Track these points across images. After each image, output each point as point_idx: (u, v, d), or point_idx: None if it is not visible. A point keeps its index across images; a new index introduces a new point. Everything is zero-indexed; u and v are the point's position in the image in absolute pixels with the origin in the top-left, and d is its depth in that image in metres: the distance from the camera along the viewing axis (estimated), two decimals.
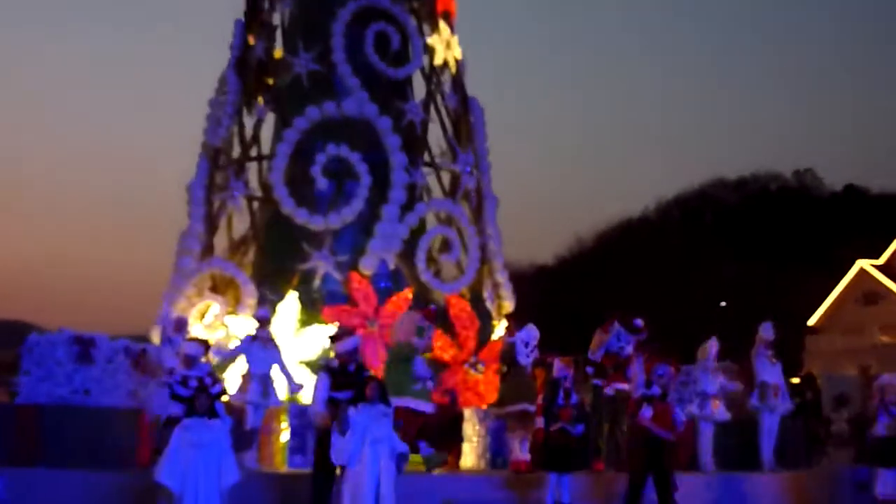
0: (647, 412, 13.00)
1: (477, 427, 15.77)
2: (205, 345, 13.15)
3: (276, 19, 19.79)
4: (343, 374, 11.65)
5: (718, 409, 16.03)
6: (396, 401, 11.91)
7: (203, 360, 12.92)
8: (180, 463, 10.60)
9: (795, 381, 17.68)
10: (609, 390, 15.49)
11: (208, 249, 18.90)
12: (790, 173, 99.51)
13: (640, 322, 15.48)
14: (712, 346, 16.22)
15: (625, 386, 15.06)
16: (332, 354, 12.30)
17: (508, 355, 15.00)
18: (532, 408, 14.25)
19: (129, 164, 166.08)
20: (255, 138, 19.47)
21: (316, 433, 11.84)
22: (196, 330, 17.01)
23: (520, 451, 14.31)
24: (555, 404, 13.43)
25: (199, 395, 11.23)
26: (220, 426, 11.06)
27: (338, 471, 11.05)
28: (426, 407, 12.93)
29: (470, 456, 15.81)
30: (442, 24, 19.97)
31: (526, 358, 14.73)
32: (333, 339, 12.15)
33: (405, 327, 14.42)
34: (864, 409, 18.83)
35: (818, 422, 20.77)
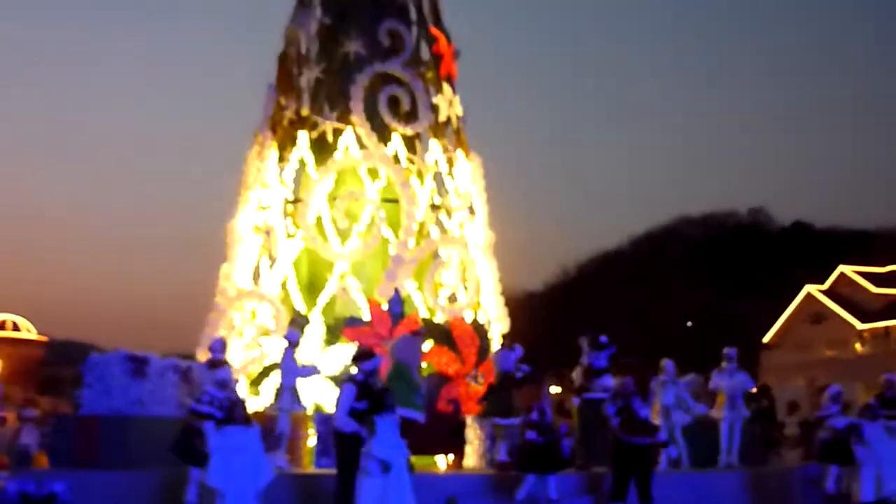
0: (614, 421, 13.25)
1: (478, 432, 15.85)
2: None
3: (304, 83, 19.82)
4: (364, 388, 11.65)
5: (677, 416, 16.25)
6: (400, 411, 11.84)
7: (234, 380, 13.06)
8: (225, 465, 10.83)
9: (752, 390, 17.73)
10: (575, 400, 15.69)
11: (249, 279, 19.01)
12: (745, 211, 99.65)
13: (604, 338, 15.48)
14: (668, 364, 16.38)
15: (596, 395, 15.12)
16: (353, 370, 12.12)
17: (496, 365, 15.29)
18: (510, 421, 14.56)
19: (179, 201, 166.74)
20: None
21: (339, 438, 11.69)
22: (235, 348, 17.32)
23: (502, 454, 14.58)
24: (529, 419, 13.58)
25: (236, 407, 11.44)
26: (254, 432, 11.27)
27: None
28: (420, 417, 12.72)
29: (472, 457, 15.91)
30: (445, 86, 20.04)
31: (510, 366, 15.01)
32: (358, 358, 11.91)
33: (403, 347, 14.62)
34: (811, 415, 18.96)
35: (773, 426, 20.80)
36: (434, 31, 20.19)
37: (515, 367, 15.45)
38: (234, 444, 11.01)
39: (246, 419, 11.30)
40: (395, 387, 12.35)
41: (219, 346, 14.49)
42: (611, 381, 14.90)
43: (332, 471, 12.07)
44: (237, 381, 14.29)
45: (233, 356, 16.88)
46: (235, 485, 10.77)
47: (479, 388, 16.89)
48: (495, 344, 18.22)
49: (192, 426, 11.48)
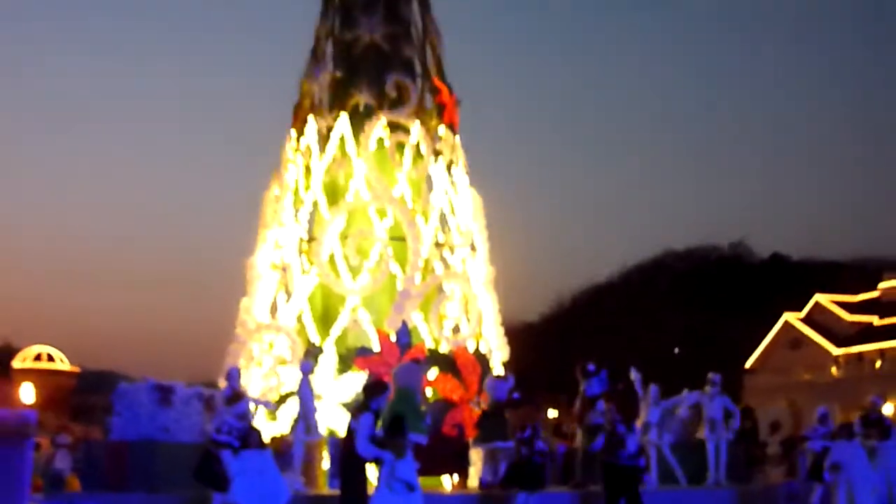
0: (598, 443, 13.19)
1: (480, 453, 15.71)
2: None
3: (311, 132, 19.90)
4: (377, 415, 11.50)
5: (662, 436, 16.16)
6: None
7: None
8: (248, 486, 10.78)
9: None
10: (568, 426, 15.55)
11: (267, 312, 19.01)
12: (726, 244, 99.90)
13: (592, 367, 15.37)
14: (652, 388, 16.32)
15: (594, 421, 14.83)
16: (363, 396, 12.02)
17: (489, 394, 15.19)
18: (504, 444, 14.44)
19: (204, 238, 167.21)
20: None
21: (346, 461, 11.50)
22: (255, 376, 17.28)
23: (492, 474, 14.48)
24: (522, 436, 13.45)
25: (252, 433, 11.38)
26: (267, 455, 11.25)
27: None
28: (423, 439, 12.58)
29: (475, 477, 15.79)
30: (447, 132, 20.15)
31: (502, 395, 14.92)
32: (372, 391, 11.61)
33: (405, 374, 14.56)
34: (792, 434, 18.87)
35: (756, 445, 20.71)
36: (437, 83, 20.33)
37: (508, 395, 15.36)
38: (253, 467, 10.97)
39: (260, 444, 11.23)
40: (399, 411, 12.23)
41: (235, 375, 14.45)
42: (601, 408, 14.75)
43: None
44: (255, 410, 14.21)
45: (252, 385, 16.85)
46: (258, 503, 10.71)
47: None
48: (497, 370, 18.21)
49: (211, 453, 11.41)
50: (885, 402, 14.08)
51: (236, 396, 12.91)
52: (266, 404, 15.44)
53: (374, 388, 11.73)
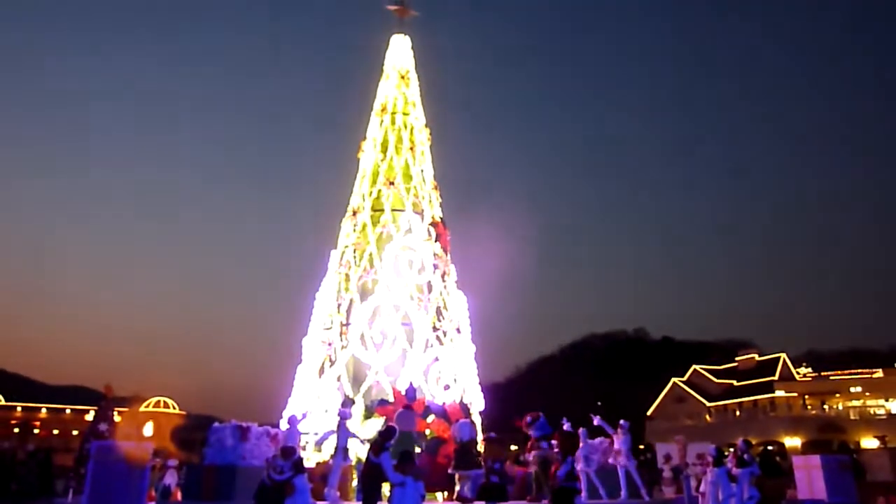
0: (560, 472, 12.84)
1: (458, 477, 15.22)
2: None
3: (349, 252, 19.88)
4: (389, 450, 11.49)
5: (590, 464, 15.79)
6: None
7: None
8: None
9: (641, 447, 17.27)
10: (524, 456, 15.12)
11: (316, 373, 18.75)
12: (632, 330, 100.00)
13: (529, 418, 14.89)
14: (582, 432, 16.02)
15: (529, 456, 14.63)
16: (379, 438, 11.48)
17: (456, 434, 14.75)
18: (475, 472, 13.91)
19: (274, 315, 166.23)
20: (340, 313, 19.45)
21: (369, 481, 11.10)
22: (307, 418, 16.86)
23: (466, 490, 13.93)
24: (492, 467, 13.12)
25: (298, 466, 10.86)
26: (305, 478, 10.74)
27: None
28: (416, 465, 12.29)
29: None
30: (441, 252, 20.18)
31: (467, 437, 14.44)
32: (386, 435, 11.21)
33: (401, 419, 14.24)
34: (679, 464, 18.39)
35: (654, 471, 20.18)
36: (435, 220, 20.51)
37: (471, 434, 14.78)
38: (301, 486, 10.57)
39: (302, 470, 10.75)
40: (401, 445, 12.16)
41: (294, 421, 14.22)
42: (546, 445, 14.42)
43: None
44: (304, 446, 13.77)
45: (305, 425, 16.48)
46: None
47: None
48: (475, 417, 17.89)
49: (265, 485, 10.94)
50: (746, 443, 13.71)
51: (289, 450, 12.47)
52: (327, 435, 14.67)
53: (386, 433, 11.49)
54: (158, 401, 71.60)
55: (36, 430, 74.85)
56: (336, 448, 13.97)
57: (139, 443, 12.82)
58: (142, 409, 65.48)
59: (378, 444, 11.01)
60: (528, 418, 14.93)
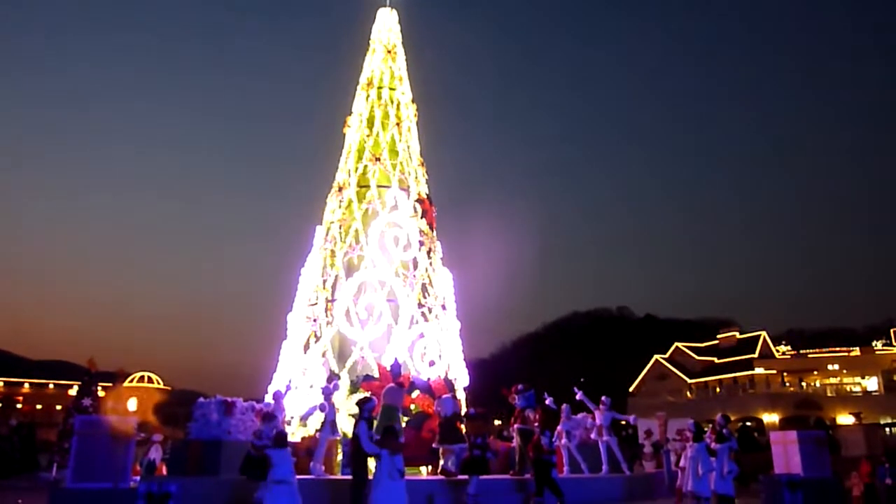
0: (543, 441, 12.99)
1: (442, 451, 15.32)
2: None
3: (335, 229, 19.71)
4: (370, 422, 11.60)
5: (572, 440, 15.95)
6: None
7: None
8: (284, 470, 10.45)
9: (623, 423, 17.47)
10: (508, 431, 15.17)
11: (301, 349, 18.64)
12: (615, 308, 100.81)
13: (521, 386, 15.00)
14: (565, 407, 16.18)
15: (524, 427, 14.59)
16: (358, 409, 11.89)
17: (440, 409, 14.81)
18: (458, 446, 13.96)
19: (255, 295, 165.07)
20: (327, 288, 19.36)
21: (357, 456, 11.31)
22: (295, 392, 16.88)
23: (450, 465, 14.06)
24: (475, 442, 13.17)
25: (279, 436, 10.90)
26: (289, 452, 10.66)
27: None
28: (401, 439, 12.20)
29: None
30: (428, 229, 20.07)
31: (450, 412, 14.50)
32: (363, 403, 11.82)
33: (390, 394, 14.30)
34: (659, 440, 18.66)
35: (635, 446, 20.44)
36: (421, 196, 20.39)
37: (454, 409, 14.80)
38: (278, 459, 10.51)
39: (284, 444, 10.78)
40: (386, 419, 12.22)
41: (280, 396, 14.25)
42: (531, 415, 14.53)
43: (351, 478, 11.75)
44: (289, 421, 13.74)
45: (290, 401, 16.49)
46: (291, 479, 10.34)
47: None
48: (460, 393, 17.96)
49: (251, 455, 10.99)
50: (725, 417, 13.88)
51: (269, 416, 12.48)
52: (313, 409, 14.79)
53: (363, 401, 11.82)
54: (143, 376, 71.35)
55: (19, 406, 74.48)
56: (322, 423, 14.03)
57: (123, 418, 12.71)
58: (126, 384, 65.23)
59: (357, 416, 11.15)
60: (520, 386, 15.02)
